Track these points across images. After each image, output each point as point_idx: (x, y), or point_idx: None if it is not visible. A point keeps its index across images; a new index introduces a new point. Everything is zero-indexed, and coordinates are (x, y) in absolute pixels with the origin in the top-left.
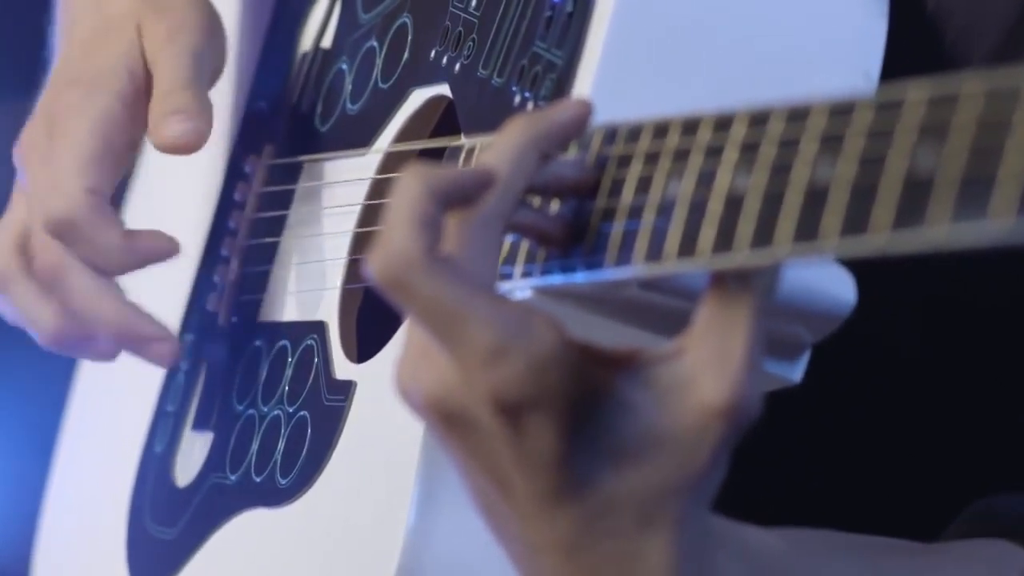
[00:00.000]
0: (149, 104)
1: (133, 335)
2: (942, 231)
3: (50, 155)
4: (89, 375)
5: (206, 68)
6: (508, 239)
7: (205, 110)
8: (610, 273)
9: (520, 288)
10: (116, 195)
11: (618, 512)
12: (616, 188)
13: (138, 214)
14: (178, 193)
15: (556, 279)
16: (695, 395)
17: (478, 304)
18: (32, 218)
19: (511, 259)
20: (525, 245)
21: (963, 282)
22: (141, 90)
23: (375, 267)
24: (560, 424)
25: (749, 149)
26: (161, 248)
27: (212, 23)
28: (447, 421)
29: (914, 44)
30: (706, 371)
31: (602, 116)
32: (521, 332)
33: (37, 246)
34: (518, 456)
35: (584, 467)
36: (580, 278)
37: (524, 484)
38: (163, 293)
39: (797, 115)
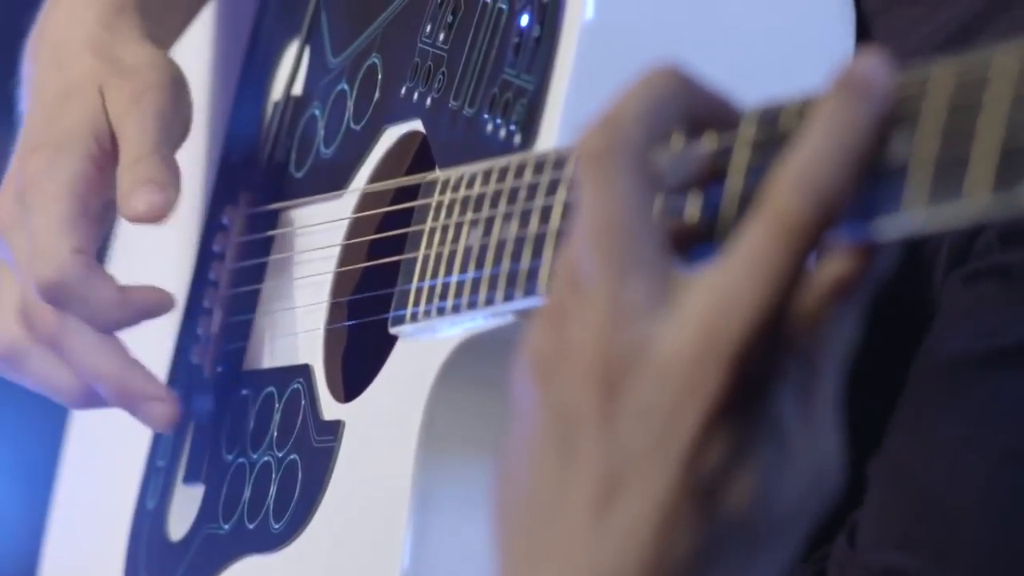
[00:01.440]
0: (116, 169)
1: (129, 393)
2: (920, 215)
3: (27, 222)
4: (80, 430)
5: (172, 130)
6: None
7: (173, 177)
8: None
9: (502, 312)
10: (99, 253)
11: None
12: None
13: (120, 270)
14: (158, 248)
15: (540, 300)
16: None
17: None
18: (24, 287)
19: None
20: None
21: None
22: (108, 152)
23: (595, 127)
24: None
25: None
26: (156, 302)
27: (176, 82)
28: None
29: None
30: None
31: (574, 137)
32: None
33: (34, 314)
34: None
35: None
36: None
37: (654, 478)
38: (147, 349)
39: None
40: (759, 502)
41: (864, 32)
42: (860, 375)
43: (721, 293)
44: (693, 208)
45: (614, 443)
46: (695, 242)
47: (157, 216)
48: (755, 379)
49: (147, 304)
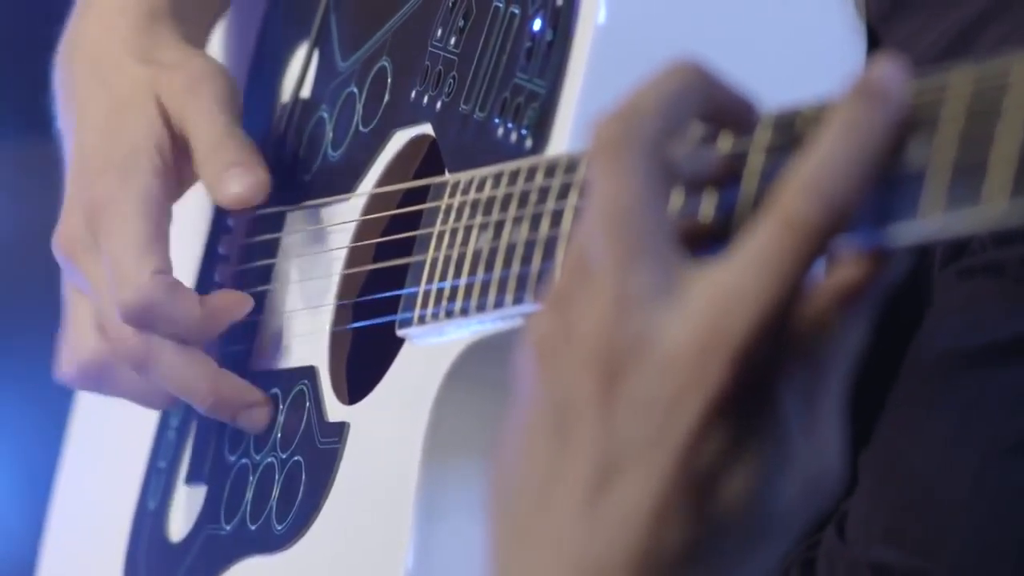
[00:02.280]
0: (192, 164)
1: (226, 405)
2: (937, 221)
3: (101, 248)
4: (80, 430)
5: (235, 111)
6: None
7: (256, 156)
8: None
9: (511, 316)
10: None
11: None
12: None
13: None
14: None
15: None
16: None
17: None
18: (104, 311)
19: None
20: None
21: None
22: (171, 162)
23: (612, 116)
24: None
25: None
26: (236, 306)
27: (220, 67)
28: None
29: None
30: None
31: (586, 141)
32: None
33: (116, 338)
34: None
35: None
36: None
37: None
38: None
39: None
40: (754, 501)
41: (872, 40)
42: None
43: (727, 289)
44: (707, 207)
45: (611, 431)
46: (707, 241)
47: (254, 197)
48: (757, 378)
49: (228, 310)
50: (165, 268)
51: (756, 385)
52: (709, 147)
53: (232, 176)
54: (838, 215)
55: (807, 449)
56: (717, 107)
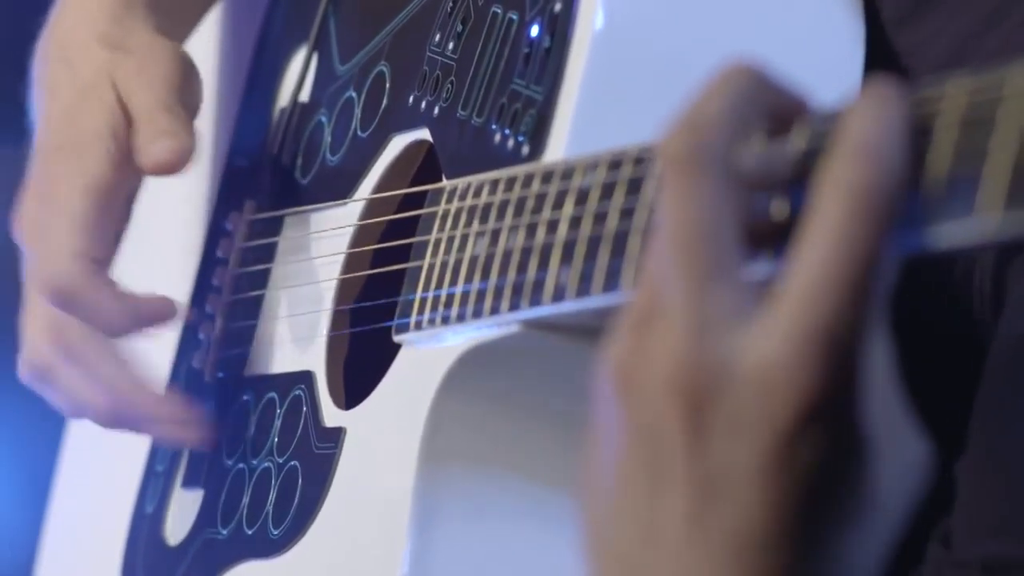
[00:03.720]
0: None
1: (130, 415)
2: (928, 233)
3: (44, 226)
4: (78, 434)
5: (182, 96)
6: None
7: (187, 128)
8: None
9: (507, 322)
10: None
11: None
12: (600, 217)
13: (122, 275)
14: (161, 253)
15: (545, 310)
16: None
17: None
18: (41, 292)
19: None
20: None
21: None
22: (125, 148)
23: (677, 130)
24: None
25: None
26: (160, 310)
27: (182, 60)
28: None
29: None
30: None
31: (584, 148)
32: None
33: (61, 325)
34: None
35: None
36: (568, 307)
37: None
38: (149, 354)
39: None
40: (859, 501)
41: (884, 44)
42: (935, 382)
43: (803, 282)
44: (781, 205)
45: (707, 459)
46: (783, 239)
47: (174, 164)
48: (849, 371)
49: (151, 313)
50: (94, 253)
51: (850, 377)
52: (780, 144)
53: (158, 143)
54: (891, 177)
55: (891, 436)
56: (778, 107)
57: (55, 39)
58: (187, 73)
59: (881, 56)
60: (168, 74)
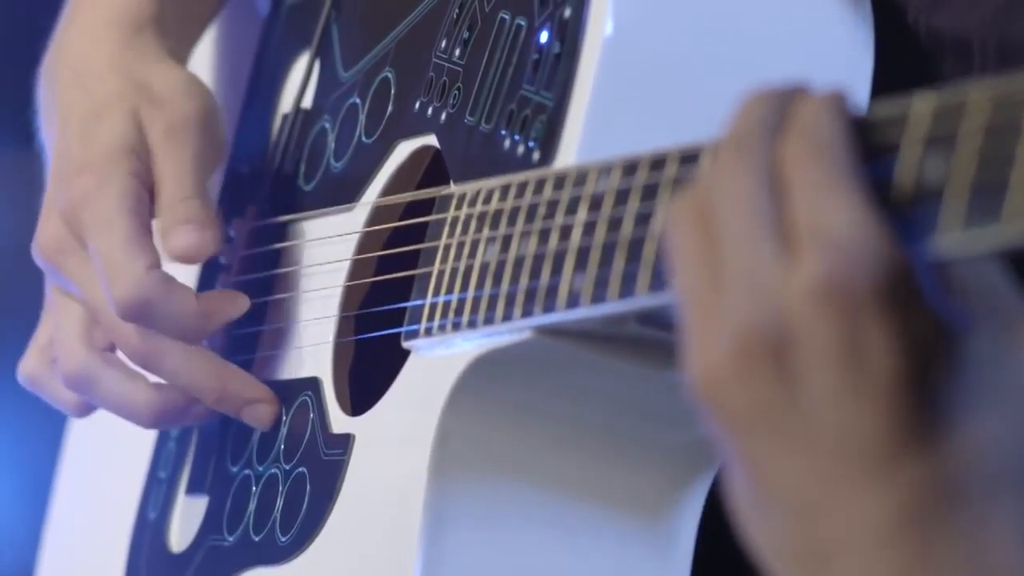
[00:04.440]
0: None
1: (232, 399)
2: (955, 240)
3: (89, 248)
4: (77, 441)
5: (209, 165)
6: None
7: (212, 217)
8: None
9: (519, 329)
10: None
11: (977, 473)
12: (615, 223)
13: None
14: (164, 258)
15: (559, 316)
16: None
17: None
18: (97, 310)
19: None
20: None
21: None
22: (147, 167)
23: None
24: (912, 334)
25: None
26: (233, 305)
27: (209, 111)
28: (768, 356)
29: (905, 73)
30: None
31: (595, 154)
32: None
33: (117, 337)
34: (851, 385)
35: (941, 401)
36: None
37: (856, 424)
38: None
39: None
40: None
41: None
42: None
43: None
44: None
45: (815, 398)
46: None
47: (197, 255)
48: (887, 257)
49: (225, 309)
50: (157, 263)
51: (890, 265)
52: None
53: (182, 231)
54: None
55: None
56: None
57: (66, 63)
58: (213, 127)
59: (905, 44)
60: (197, 141)
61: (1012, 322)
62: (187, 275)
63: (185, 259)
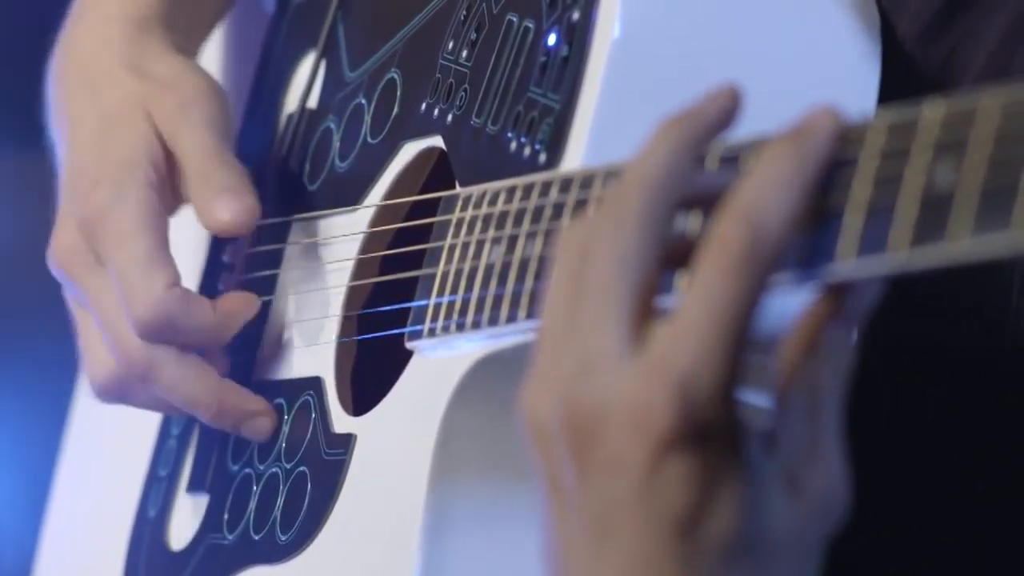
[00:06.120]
0: (181, 183)
1: (229, 415)
2: (965, 244)
3: (106, 264)
4: (77, 438)
5: (227, 134)
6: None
7: (246, 182)
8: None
9: (523, 330)
10: None
11: None
12: None
13: None
14: None
15: None
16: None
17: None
18: (114, 327)
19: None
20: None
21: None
22: (164, 173)
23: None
24: (703, 479)
25: None
26: (248, 307)
27: (213, 86)
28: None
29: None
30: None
31: (602, 157)
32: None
33: (114, 347)
34: (636, 506)
35: (709, 550)
36: None
37: (627, 545)
38: None
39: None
40: (748, 528)
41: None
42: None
43: (673, 329)
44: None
45: (592, 496)
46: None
47: (244, 224)
48: (712, 409)
49: (240, 312)
50: (176, 280)
51: (714, 414)
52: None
53: (221, 202)
54: (767, 237)
55: (812, 470)
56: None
57: (74, 62)
58: (222, 101)
59: (901, 74)
60: (211, 114)
61: (797, 476)
62: (190, 274)
63: (232, 231)
